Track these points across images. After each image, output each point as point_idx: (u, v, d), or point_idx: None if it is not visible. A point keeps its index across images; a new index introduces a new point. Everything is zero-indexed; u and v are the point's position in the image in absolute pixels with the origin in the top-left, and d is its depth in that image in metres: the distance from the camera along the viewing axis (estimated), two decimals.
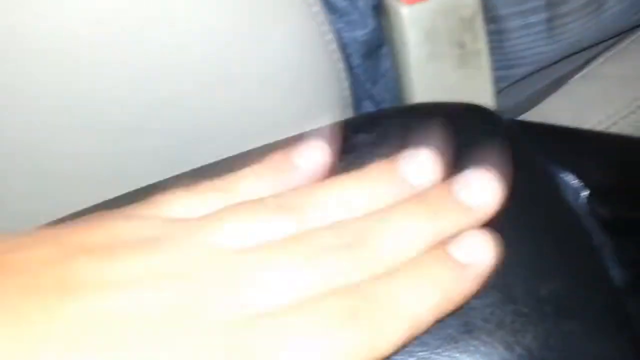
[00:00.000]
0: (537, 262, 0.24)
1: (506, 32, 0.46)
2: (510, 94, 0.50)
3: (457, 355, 0.22)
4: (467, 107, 0.32)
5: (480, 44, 0.44)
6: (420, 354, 0.22)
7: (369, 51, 0.45)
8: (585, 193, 0.31)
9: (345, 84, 0.41)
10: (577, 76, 0.52)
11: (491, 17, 0.46)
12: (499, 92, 0.49)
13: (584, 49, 0.48)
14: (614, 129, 0.50)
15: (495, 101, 0.49)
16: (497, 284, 0.23)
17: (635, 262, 0.28)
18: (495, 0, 0.45)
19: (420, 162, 0.23)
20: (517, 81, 0.49)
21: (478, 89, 0.46)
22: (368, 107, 0.48)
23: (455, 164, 0.24)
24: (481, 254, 0.21)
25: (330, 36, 0.38)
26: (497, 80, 0.48)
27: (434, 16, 0.43)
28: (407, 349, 0.21)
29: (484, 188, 0.22)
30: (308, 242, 0.20)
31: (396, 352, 0.20)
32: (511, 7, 0.45)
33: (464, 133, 0.28)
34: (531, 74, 0.50)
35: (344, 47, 0.45)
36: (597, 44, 0.48)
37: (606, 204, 0.31)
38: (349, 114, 0.42)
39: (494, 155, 0.25)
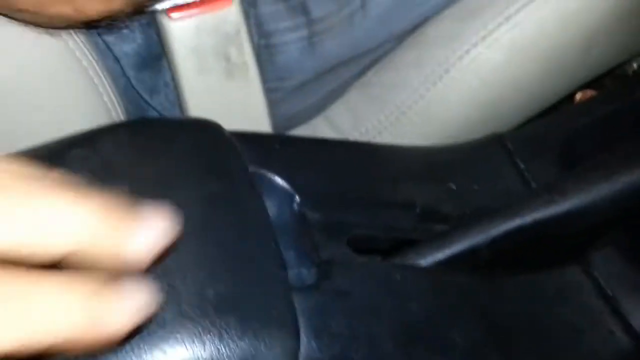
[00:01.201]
0: (211, 265, 0.27)
1: (275, 46, 0.49)
2: (291, 103, 0.54)
3: (115, 357, 0.24)
4: (191, 122, 0.35)
5: (246, 57, 0.47)
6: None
7: (142, 64, 0.47)
8: (297, 199, 0.34)
9: (108, 96, 0.42)
10: (356, 83, 0.56)
11: (262, 32, 0.49)
12: (278, 101, 0.53)
13: (350, 60, 0.52)
14: (385, 134, 0.54)
15: (276, 109, 0.52)
16: (163, 287, 0.26)
17: (325, 262, 0.31)
18: (263, 16, 0.48)
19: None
20: (293, 91, 0.53)
21: (249, 99, 0.49)
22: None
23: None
24: None
25: (83, 51, 0.40)
26: (272, 90, 0.51)
27: (198, 31, 0.45)
28: None
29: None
30: None
31: None
32: (277, 23, 0.48)
33: (175, 150, 0.31)
34: (309, 83, 0.53)
35: (117, 59, 0.46)
36: (364, 56, 0.52)
37: (317, 208, 0.35)
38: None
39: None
